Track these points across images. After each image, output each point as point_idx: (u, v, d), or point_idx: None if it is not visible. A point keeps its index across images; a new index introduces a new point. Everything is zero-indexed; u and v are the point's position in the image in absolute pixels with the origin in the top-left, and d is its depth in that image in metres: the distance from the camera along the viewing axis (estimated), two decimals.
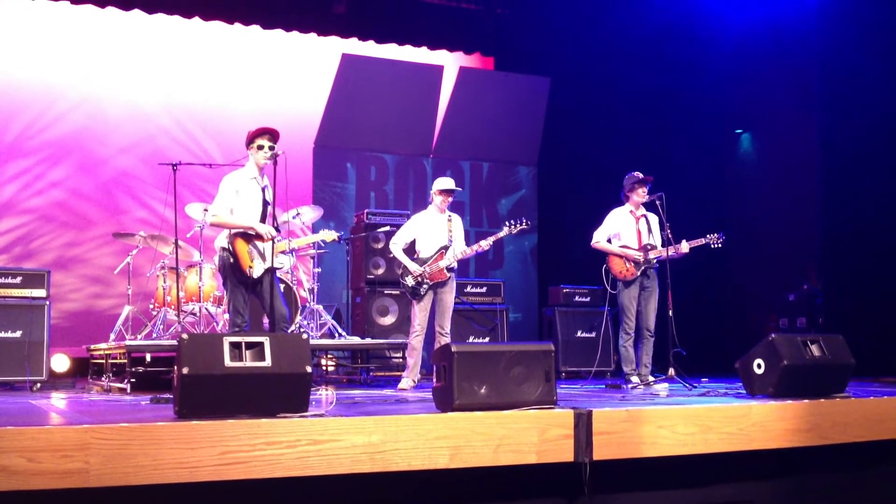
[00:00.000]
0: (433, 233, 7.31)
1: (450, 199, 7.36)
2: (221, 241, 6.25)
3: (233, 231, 6.19)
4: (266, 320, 6.42)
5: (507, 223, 7.29)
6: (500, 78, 12.39)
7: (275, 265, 6.19)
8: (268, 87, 11.34)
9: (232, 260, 6.13)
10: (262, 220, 6.23)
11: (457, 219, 7.47)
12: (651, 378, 7.10)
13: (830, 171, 10.58)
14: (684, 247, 7.15)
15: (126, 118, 10.75)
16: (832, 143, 10.52)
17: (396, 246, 7.37)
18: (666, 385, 6.82)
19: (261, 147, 6.22)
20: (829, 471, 5.16)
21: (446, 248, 7.25)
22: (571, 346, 9.44)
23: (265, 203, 6.27)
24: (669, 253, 7.14)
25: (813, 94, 10.85)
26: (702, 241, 7.20)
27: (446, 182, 7.37)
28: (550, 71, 12.13)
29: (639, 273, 7.24)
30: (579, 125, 11.80)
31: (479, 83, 12.23)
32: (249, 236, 6.19)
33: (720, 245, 7.22)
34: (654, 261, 7.24)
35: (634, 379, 7.18)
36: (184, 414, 3.94)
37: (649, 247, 7.29)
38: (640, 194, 7.35)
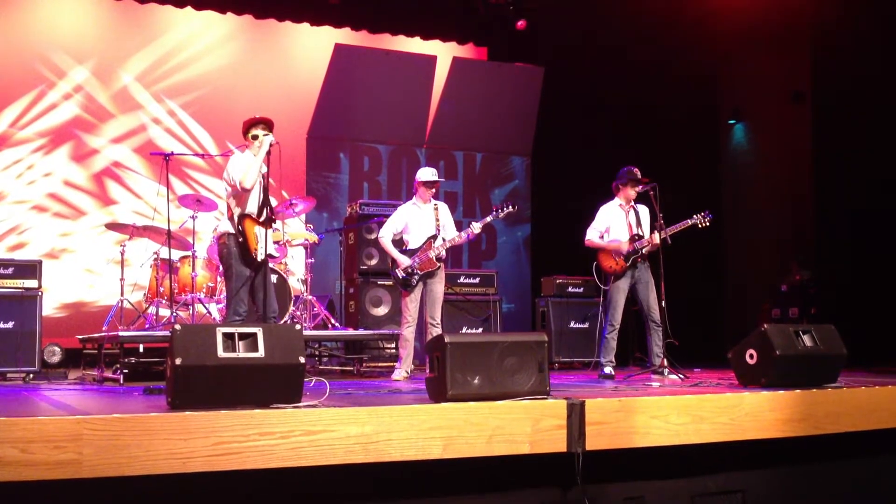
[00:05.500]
0: (421, 223, 7.31)
1: (432, 190, 7.36)
2: (226, 226, 6.22)
3: (237, 214, 6.18)
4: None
5: (494, 208, 7.31)
6: (494, 68, 12.38)
7: (270, 251, 6.22)
8: (260, 77, 11.30)
9: (241, 239, 6.10)
10: (263, 206, 6.21)
11: (443, 206, 7.47)
12: (665, 369, 7.08)
13: (823, 162, 10.60)
14: (667, 234, 7.11)
15: (118, 108, 10.71)
16: (825, 133, 10.54)
17: (385, 238, 7.37)
18: (678, 377, 6.78)
19: (255, 137, 6.22)
20: (820, 461, 5.18)
21: (434, 237, 7.25)
22: (565, 336, 9.44)
23: (264, 190, 6.24)
24: (656, 240, 7.11)
25: (806, 84, 10.86)
26: (688, 222, 7.16)
27: (428, 173, 7.38)
28: (544, 61, 12.12)
29: (628, 265, 7.24)
30: (573, 115, 11.80)
31: (473, 73, 12.21)
32: (255, 219, 6.19)
33: (708, 224, 7.18)
34: (643, 251, 7.23)
35: (608, 370, 7.21)
36: (176, 405, 3.93)
37: (636, 237, 7.30)
38: (632, 192, 7.35)
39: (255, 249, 6.10)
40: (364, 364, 8.62)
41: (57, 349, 8.67)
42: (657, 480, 4.73)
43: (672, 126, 11.49)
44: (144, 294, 8.44)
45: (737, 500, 4.92)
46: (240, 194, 6.16)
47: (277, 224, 8.14)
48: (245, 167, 6.12)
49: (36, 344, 7.40)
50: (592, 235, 7.46)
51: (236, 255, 6.13)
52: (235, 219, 6.17)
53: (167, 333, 4.84)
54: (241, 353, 4.07)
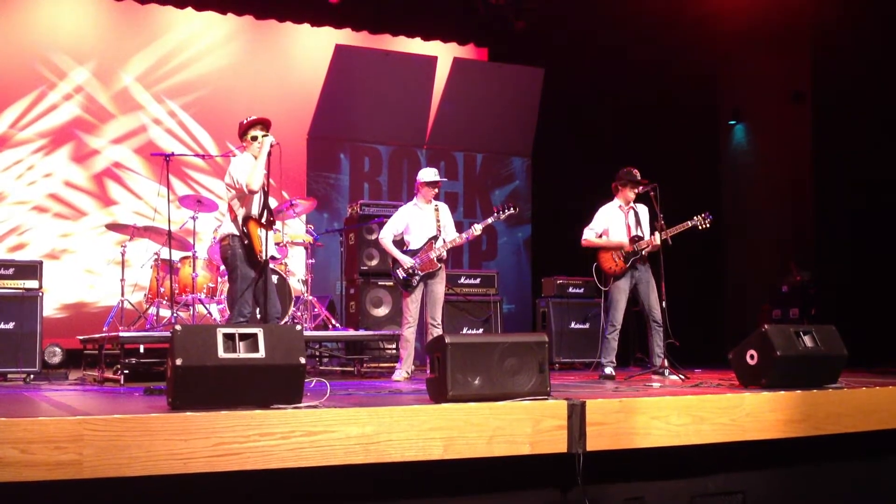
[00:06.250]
0: (421, 224, 7.31)
1: (435, 191, 7.37)
2: (229, 227, 6.22)
3: (241, 216, 6.18)
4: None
5: (495, 209, 7.32)
6: (494, 69, 12.38)
7: (272, 253, 6.23)
8: (261, 78, 11.30)
9: (246, 241, 6.11)
10: (262, 207, 6.21)
11: (444, 207, 7.47)
12: (666, 370, 7.06)
13: (823, 162, 10.59)
14: (667, 235, 7.10)
15: (118, 109, 10.72)
16: (825, 133, 10.53)
17: (386, 239, 7.38)
18: (679, 378, 6.78)
19: (254, 138, 6.22)
20: (821, 461, 5.18)
21: (435, 238, 7.25)
22: (565, 337, 9.44)
23: (264, 192, 6.25)
24: (656, 241, 7.10)
25: (806, 84, 10.86)
26: (688, 224, 7.16)
27: (430, 174, 7.38)
28: (544, 61, 12.11)
29: (627, 265, 7.23)
30: (573, 115, 11.80)
31: (473, 74, 12.21)
32: (258, 221, 6.19)
33: (708, 225, 7.17)
34: (642, 252, 7.22)
35: (609, 370, 7.20)
36: (177, 405, 3.93)
37: (636, 238, 7.29)
38: (631, 194, 7.34)
39: (261, 252, 6.12)
40: (364, 365, 8.62)
41: (57, 350, 8.67)
42: (657, 481, 4.73)
43: (672, 126, 11.48)
44: (145, 294, 8.45)
45: (737, 500, 4.92)
46: (244, 196, 6.17)
47: (277, 224, 8.15)
48: (248, 169, 6.12)
49: (36, 344, 7.41)
50: (588, 235, 7.45)
51: (241, 256, 6.14)
52: (240, 221, 6.17)
53: (168, 334, 4.85)
54: (242, 353, 4.07)
